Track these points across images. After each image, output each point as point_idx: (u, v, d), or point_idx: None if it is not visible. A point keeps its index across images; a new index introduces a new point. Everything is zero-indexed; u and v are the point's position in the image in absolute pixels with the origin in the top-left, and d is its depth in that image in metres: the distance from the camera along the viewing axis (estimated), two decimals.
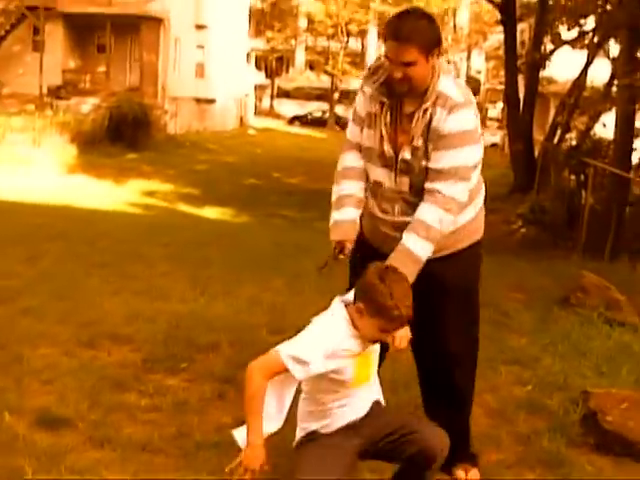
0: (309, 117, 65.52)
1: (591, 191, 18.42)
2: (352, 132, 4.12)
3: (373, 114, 3.96)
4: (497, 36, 53.75)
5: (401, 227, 3.90)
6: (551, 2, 27.37)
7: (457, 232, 4.05)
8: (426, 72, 3.80)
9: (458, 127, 3.80)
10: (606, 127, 23.97)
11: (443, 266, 4.03)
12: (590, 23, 27.38)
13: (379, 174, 4.00)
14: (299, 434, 3.61)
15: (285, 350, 3.34)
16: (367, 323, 3.39)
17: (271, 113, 68.17)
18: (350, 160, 4.12)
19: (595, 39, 27.12)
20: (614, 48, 26.92)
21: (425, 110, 3.82)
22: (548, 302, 8.58)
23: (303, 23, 69.41)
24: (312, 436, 3.56)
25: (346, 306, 3.47)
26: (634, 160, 19.71)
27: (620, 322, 7.91)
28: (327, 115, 65.41)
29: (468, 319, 4.27)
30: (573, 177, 21.59)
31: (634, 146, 19.20)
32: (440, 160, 3.82)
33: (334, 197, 4.11)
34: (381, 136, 3.93)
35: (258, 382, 3.32)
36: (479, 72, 70.91)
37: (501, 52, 32.01)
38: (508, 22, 26.16)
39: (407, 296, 3.38)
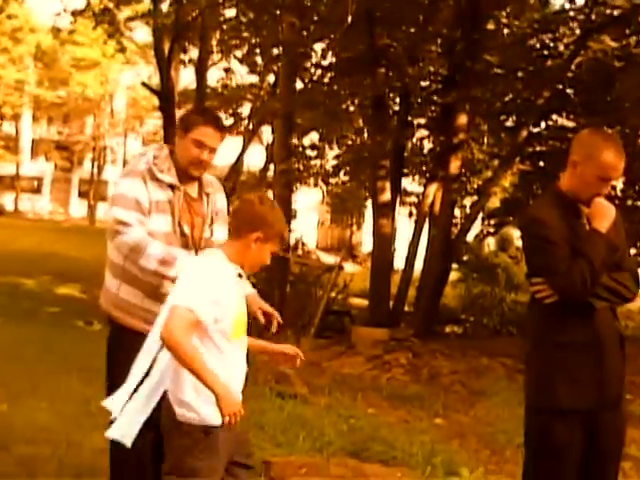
0: None
1: None
2: (138, 218, 4.11)
3: (164, 201, 4.16)
4: (154, 121, 54.66)
5: None
6: (208, 90, 28.30)
7: None
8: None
9: (225, 204, 4.40)
10: None
11: None
12: (246, 111, 28.63)
13: None
14: (189, 418, 3.41)
15: (183, 302, 3.29)
16: (261, 248, 3.48)
17: None
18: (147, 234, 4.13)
19: (250, 126, 28.38)
20: (268, 135, 28.34)
21: (207, 194, 4.31)
22: None
23: None
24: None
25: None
26: (292, 241, 20.72)
27: (291, 395, 8.33)
28: None
29: None
30: None
31: (291, 227, 20.21)
32: (222, 233, 4.22)
33: (164, 253, 4.05)
34: (179, 220, 4.16)
35: (185, 342, 3.26)
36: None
37: (158, 137, 32.48)
38: (167, 108, 26.59)
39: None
